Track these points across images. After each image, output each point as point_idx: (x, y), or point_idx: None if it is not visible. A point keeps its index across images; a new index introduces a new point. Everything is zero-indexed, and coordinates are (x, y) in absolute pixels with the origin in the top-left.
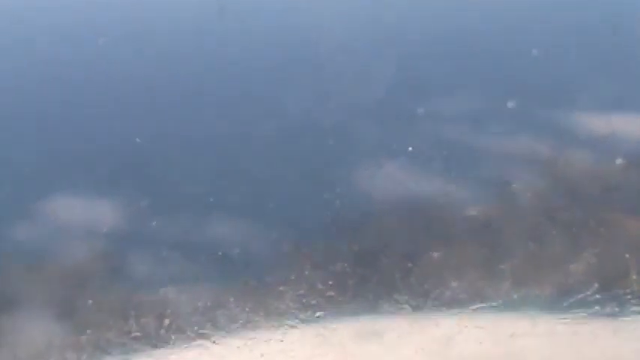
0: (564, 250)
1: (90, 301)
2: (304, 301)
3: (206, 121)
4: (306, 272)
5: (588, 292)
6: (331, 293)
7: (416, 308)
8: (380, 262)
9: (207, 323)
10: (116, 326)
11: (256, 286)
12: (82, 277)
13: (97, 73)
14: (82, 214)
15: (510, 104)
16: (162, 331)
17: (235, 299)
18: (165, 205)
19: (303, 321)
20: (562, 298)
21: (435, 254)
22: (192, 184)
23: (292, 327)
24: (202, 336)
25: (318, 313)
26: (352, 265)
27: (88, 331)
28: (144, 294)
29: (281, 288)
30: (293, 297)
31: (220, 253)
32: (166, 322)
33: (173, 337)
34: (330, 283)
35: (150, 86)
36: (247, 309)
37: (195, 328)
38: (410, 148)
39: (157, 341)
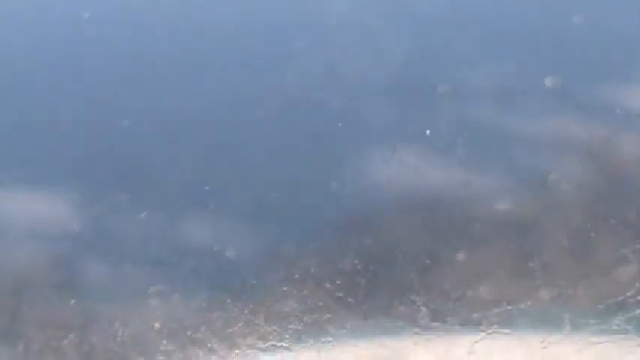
0: (603, 248)
1: (73, 301)
2: (310, 302)
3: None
4: (312, 270)
5: (629, 294)
6: (340, 294)
7: (435, 311)
8: (395, 259)
9: (202, 327)
10: (101, 330)
11: (255, 286)
12: (62, 274)
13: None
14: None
15: (548, 81)
16: (153, 336)
17: (233, 301)
18: (149, 194)
19: (309, 325)
20: (600, 301)
21: (456, 251)
22: (179, 172)
23: (297, 331)
24: (196, 341)
25: (326, 316)
26: (363, 264)
27: (71, 335)
28: (132, 294)
29: (284, 288)
30: (298, 298)
31: (216, 249)
32: (157, 325)
33: (165, 341)
34: (339, 282)
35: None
36: (247, 311)
37: (189, 332)
38: (428, 132)
39: (145, 347)
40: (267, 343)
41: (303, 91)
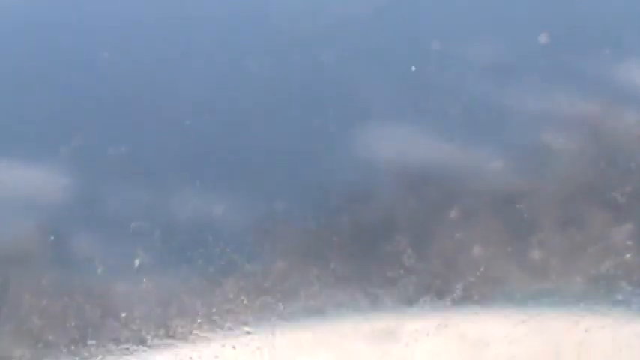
0: (607, 228)
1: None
2: (293, 283)
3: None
4: (298, 249)
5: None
6: (327, 277)
7: (434, 297)
8: (384, 241)
9: (177, 317)
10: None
11: (234, 267)
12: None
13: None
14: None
15: (541, 48)
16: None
17: (211, 285)
18: (120, 161)
19: (295, 307)
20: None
21: (450, 230)
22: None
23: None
24: (179, 334)
25: (311, 302)
26: (348, 244)
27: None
28: (84, 280)
29: (264, 268)
30: (281, 279)
31: (192, 225)
32: (123, 315)
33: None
34: (326, 264)
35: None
36: (226, 295)
37: (171, 322)
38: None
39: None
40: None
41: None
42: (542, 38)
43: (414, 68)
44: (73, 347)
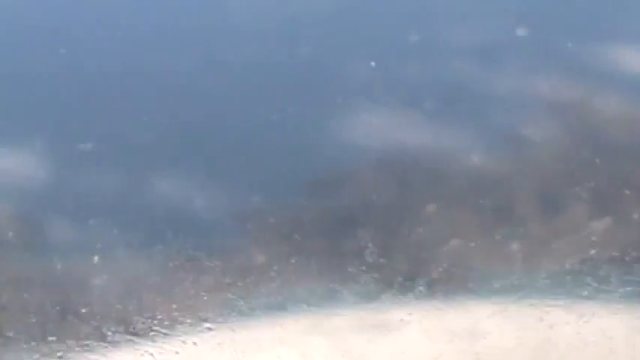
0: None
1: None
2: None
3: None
4: (282, 233)
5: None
6: (311, 266)
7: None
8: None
9: (150, 313)
10: None
11: (214, 254)
12: None
13: None
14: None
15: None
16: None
17: (188, 274)
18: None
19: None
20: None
21: (430, 218)
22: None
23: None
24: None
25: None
26: (327, 230)
27: None
28: (55, 263)
29: (246, 255)
30: (264, 264)
31: (170, 209)
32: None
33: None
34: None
35: None
36: (204, 283)
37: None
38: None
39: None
40: None
41: None
42: (520, 25)
43: (373, 64)
44: None
